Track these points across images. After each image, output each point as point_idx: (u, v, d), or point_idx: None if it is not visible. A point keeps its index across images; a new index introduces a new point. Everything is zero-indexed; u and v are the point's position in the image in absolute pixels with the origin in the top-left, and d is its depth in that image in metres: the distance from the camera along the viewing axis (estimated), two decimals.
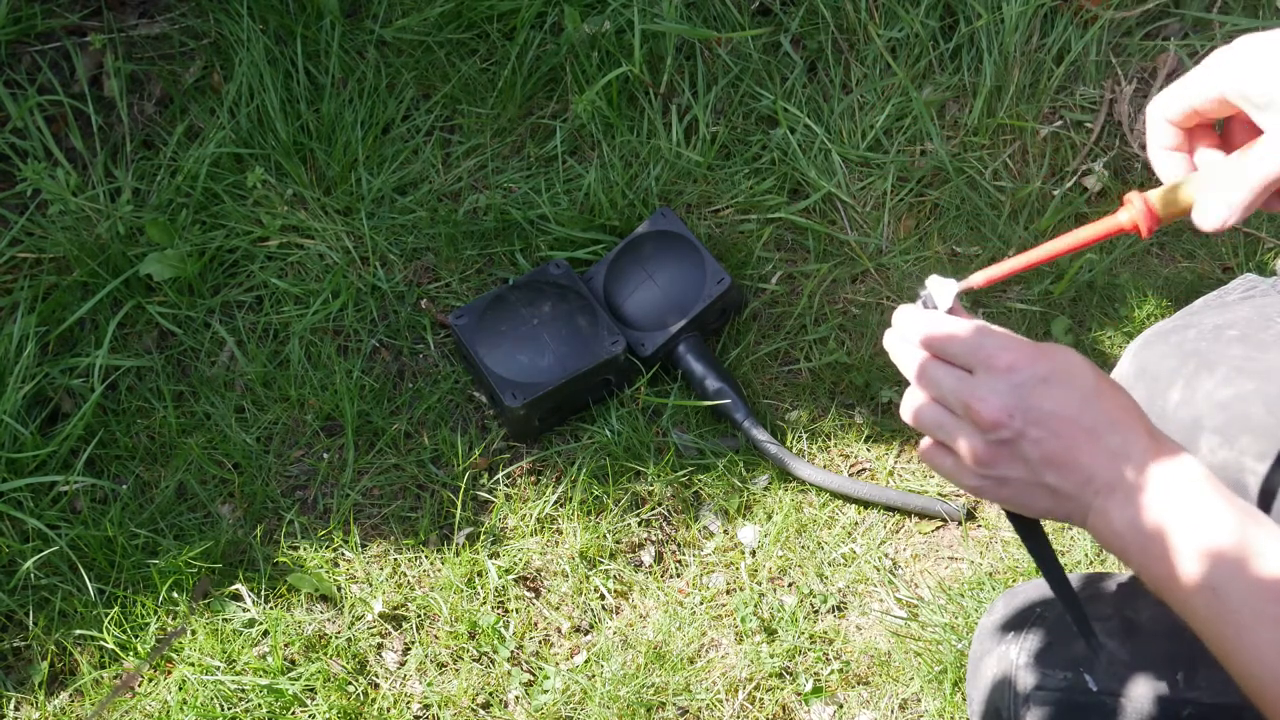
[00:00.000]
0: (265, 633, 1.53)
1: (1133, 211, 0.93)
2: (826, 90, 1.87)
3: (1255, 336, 1.26)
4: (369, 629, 1.54)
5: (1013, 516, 0.95)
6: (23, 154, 1.81)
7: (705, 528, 1.62)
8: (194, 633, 1.52)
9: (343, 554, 1.59)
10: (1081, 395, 0.86)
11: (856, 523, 1.62)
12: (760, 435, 1.63)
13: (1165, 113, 0.95)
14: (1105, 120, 1.86)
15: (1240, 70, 0.89)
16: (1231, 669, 0.82)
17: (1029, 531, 0.95)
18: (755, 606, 1.54)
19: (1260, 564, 0.81)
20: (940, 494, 1.62)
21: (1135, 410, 0.88)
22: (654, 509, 1.61)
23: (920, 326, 0.92)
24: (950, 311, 0.94)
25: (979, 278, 0.96)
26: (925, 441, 0.94)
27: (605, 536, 1.59)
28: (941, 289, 0.95)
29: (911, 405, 0.93)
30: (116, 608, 1.53)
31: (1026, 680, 1.12)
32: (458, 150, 1.84)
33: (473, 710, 1.50)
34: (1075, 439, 0.86)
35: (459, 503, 1.60)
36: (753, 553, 1.59)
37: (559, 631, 1.55)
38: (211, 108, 1.85)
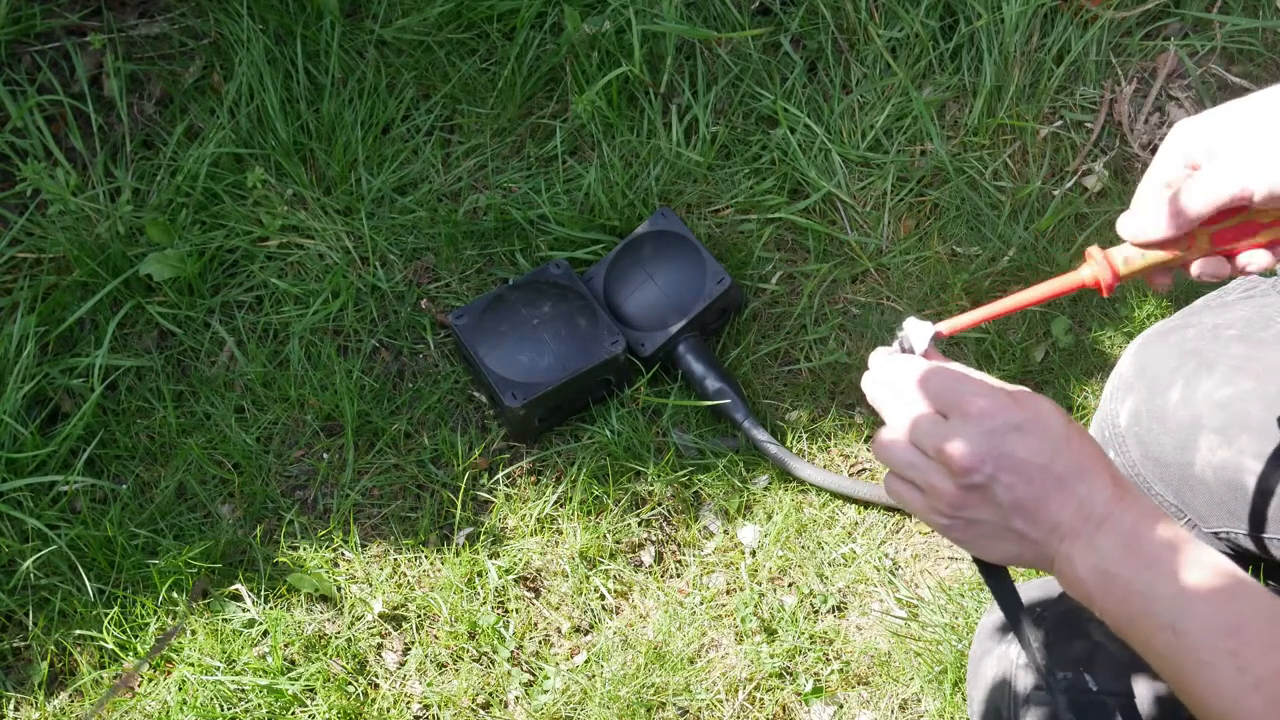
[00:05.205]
0: (265, 633, 1.53)
1: (1095, 268, 0.97)
2: (826, 90, 1.87)
3: (1255, 336, 1.26)
4: (369, 629, 1.54)
5: (979, 560, 0.97)
6: (22, 154, 1.81)
7: (705, 528, 1.62)
8: (194, 633, 1.52)
9: (343, 554, 1.59)
10: (1053, 443, 0.89)
11: (856, 523, 1.62)
12: (760, 435, 1.63)
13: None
14: (1105, 120, 1.86)
15: (1191, 132, 0.94)
16: (1192, 705, 0.85)
17: (994, 574, 0.97)
18: (755, 606, 1.54)
19: (1214, 601, 0.84)
20: None
21: (1101, 457, 0.90)
22: (654, 509, 1.61)
23: (897, 369, 0.95)
24: (926, 354, 0.97)
25: (946, 326, 0.98)
26: (891, 476, 0.95)
27: (605, 536, 1.59)
28: (919, 331, 0.97)
29: (884, 443, 0.95)
30: (116, 608, 1.53)
31: (1026, 680, 1.12)
32: (458, 150, 1.84)
33: (473, 710, 1.50)
34: (1045, 487, 0.88)
35: (459, 503, 1.60)
36: (753, 553, 1.59)
37: (559, 631, 1.55)
38: (211, 108, 1.85)
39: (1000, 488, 0.88)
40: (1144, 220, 0.94)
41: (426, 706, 1.50)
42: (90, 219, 1.75)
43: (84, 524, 1.57)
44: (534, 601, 1.57)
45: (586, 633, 1.56)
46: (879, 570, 1.58)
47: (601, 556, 1.59)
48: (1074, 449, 0.89)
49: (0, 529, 1.57)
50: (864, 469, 1.67)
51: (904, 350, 0.97)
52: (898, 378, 0.94)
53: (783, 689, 1.51)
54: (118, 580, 1.56)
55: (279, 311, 1.74)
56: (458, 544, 1.59)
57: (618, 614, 1.57)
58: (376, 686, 1.51)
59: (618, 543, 1.59)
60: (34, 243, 1.75)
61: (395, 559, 1.59)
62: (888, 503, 1.61)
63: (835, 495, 1.63)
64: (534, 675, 1.52)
